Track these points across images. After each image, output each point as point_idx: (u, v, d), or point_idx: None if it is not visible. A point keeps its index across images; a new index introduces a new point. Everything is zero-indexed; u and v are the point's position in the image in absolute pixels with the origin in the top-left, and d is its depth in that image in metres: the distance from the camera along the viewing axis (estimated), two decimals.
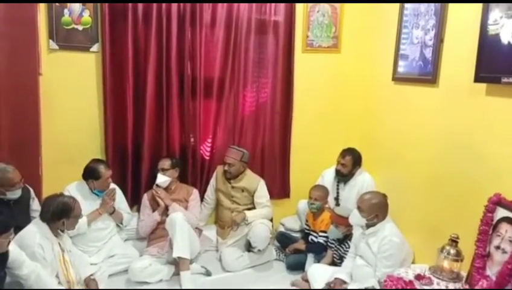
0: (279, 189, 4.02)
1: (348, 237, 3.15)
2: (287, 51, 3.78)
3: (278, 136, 3.94)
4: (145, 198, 3.54)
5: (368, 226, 2.77)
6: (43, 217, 2.56)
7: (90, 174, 3.20)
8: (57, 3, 3.30)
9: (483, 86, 2.39)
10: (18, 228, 2.51)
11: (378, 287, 2.48)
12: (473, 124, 2.52)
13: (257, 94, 3.86)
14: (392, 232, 2.69)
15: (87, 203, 3.17)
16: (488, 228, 2.19)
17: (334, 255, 3.24)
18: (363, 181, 3.46)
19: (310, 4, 3.78)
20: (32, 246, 2.44)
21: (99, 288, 2.81)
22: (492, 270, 2.12)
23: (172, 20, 3.47)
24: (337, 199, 3.56)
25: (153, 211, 3.49)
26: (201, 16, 3.54)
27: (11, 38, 3.03)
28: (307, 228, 3.55)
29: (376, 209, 2.73)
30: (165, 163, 3.52)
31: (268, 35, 3.76)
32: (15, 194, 2.79)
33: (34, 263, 2.41)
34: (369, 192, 2.95)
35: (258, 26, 3.71)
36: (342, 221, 3.08)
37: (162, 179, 3.50)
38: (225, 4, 3.58)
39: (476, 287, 2.09)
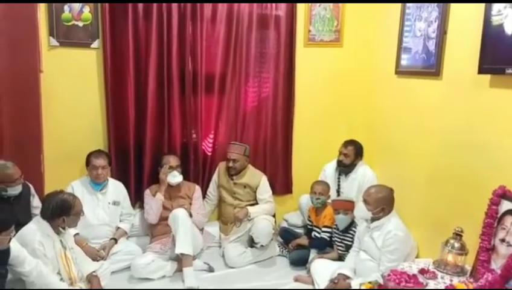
0: (282, 185, 4.00)
1: (351, 225, 3.15)
2: (289, 46, 3.76)
3: (280, 131, 3.92)
4: (148, 193, 3.50)
5: (373, 219, 2.75)
6: (43, 214, 2.55)
7: (86, 162, 3.29)
8: None
9: (487, 77, 2.36)
10: (19, 225, 2.51)
11: (381, 282, 2.45)
12: (477, 117, 2.48)
13: (259, 89, 3.84)
14: (397, 227, 2.66)
15: (90, 198, 3.23)
16: (492, 221, 2.17)
17: (340, 247, 3.22)
18: (364, 174, 3.44)
19: None
20: (33, 243, 2.43)
21: (102, 285, 2.80)
22: (497, 264, 2.10)
23: (173, 15, 3.45)
24: (338, 191, 3.54)
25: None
26: (202, 10, 3.52)
27: (11, 36, 3.02)
28: (310, 223, 3.53)
29: (382, 202, 2.70)
30: (175, 160, 3.49)
31: (269, 29, 3.73)
32: (15, 190, 2.80)
33: (35, 259, 2.40)
34: (376, 185, 2.93)
35: (260, 20, 3.69)
36: (348, 205, 3.12)
37: (177, 178, 3.46)
38: None
39: (481, 281, 2.07)
